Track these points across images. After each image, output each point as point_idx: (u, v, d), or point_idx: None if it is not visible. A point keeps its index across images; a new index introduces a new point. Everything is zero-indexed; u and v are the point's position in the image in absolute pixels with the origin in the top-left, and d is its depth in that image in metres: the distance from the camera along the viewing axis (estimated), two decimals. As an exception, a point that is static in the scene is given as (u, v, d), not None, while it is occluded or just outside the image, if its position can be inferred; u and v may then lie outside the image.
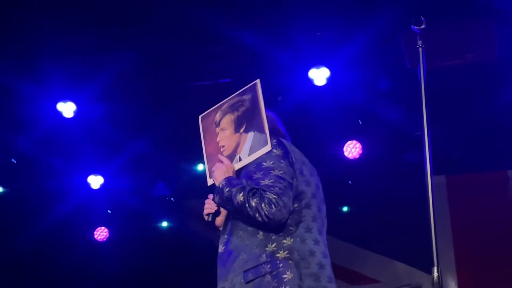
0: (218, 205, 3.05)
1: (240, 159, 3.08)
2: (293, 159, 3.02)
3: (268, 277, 2.80)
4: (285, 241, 2.87)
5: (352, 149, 7.24)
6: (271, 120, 3.17)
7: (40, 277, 8.16)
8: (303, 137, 6.89)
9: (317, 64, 6.41)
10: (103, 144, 7.11)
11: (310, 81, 6.47)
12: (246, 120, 3.11)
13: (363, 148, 7.23)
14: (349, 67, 6.50)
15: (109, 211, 8.12)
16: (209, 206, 3.15)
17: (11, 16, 5.76)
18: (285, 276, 2.80)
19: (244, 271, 2.85)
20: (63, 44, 6.03)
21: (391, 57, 6.34)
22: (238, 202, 2.84)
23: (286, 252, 2.85)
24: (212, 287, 3.03)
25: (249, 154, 3.04)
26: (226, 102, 3.19)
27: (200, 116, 3.29)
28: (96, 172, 7.50)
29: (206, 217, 3.17)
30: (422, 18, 2.86)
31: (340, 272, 8.41)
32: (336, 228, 8.23)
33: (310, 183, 3.06)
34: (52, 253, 8.21)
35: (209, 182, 3.15)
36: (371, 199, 7.90)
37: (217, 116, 3.19)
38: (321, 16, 5.96)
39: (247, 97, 3.12)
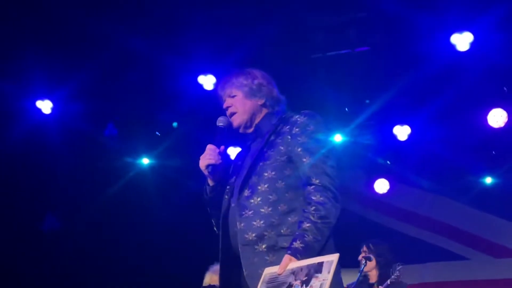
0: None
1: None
2: None
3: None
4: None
5: (497, 118, 6.94)
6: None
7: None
8: (445, 104, 6.74)
9: (460, 28, 6.19)
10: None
11: (452, 47, 6.26)
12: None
13: (510, 116, 6.92)
14: (493, 31, 6.22)
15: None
16: (211, 156, 3.03)
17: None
18: None
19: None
20: (206, 17, 6.19)
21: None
22: (322, 230, 2.82)
23: None
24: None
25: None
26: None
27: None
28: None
29: (205, 170, 3.04)
30: None
31: (483, 244, 8.16)
32: (480, 200, 8.09)
33: None
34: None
35: None
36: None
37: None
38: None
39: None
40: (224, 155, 3.09)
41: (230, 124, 3.14)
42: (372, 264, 5.80)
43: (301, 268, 2.68)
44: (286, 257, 2.74)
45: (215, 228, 3.16)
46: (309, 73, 6.69)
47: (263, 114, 3.14)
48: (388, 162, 8.06)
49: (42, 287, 8.03)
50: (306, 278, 2.64)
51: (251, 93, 3.12)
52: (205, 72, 6.90)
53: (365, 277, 5.91)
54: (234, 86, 3.14)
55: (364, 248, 5.90)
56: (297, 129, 2.97)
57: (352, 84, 6.88)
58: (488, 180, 8.06)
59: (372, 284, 5.86)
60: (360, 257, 5.91)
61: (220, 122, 3.15)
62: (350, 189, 8.23)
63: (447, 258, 8.26)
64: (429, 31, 6.17)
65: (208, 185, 3.13)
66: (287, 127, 3.01)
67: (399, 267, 5.70)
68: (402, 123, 7.35)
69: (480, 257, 8.19)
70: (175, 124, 7.64)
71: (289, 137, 2.97)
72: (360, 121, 7.24)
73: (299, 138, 2.94)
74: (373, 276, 5.86)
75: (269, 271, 2.78)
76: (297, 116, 3.01)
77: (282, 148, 2.97)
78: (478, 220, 8.23)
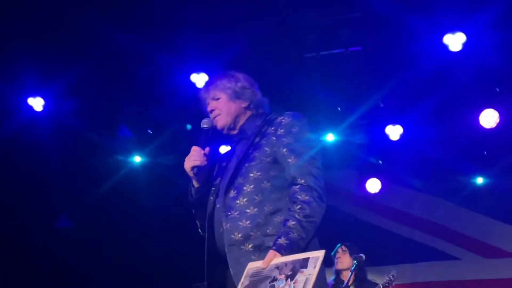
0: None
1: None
2: None
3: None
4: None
5: (489, 118, 6.96)
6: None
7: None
8: (437, 104, 6.76)
9: (453, 29, 6.20)
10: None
11: (445, 47, 6.27)
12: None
13: (501, 117, 6.94)
14: (486, 32, 6.23)
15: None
16: (196, 158, 3.05)
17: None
18: None
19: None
20: (199, 16, 6.18)
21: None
22: (307, 228, 2.82)
23: None
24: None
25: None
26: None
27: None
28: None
29: (190, 172, 3.07)
30: None
31: (474, 244, 8.18)
32: (471, 200, 8.11)
33: None
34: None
35: None
36: (508, 171, 7.61)
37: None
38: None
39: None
40: (209, 157, 3.10)
41: (214, 126, 3.16)
42: (351, 264, 5.81)
43: (285, 263, 2.68)
44: (271, 252, 2.75)
45: (199, 230, 3.18)
46: (302, 73, 6.69)
47: (247, 116, 3.16)
48: (380, 161, 8.07)
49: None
50: (291, 272, 2.63)
51: (235, 96, 3.13)
52: (197, 70, 6.89)
53: (338, 277, 5.94)
54: (217, 89, 3.14)
55: (344, 248, 5.98)
56: (282, 130, 2.98)
57: (345, 83, 6.89)
58: (480, 180, 8.08)
59: (349, 286, 5.86)
60: (337, 256, 5.93)
61: (204, 124, 3.17)
62: (341, 188, 8.24)
63: (438, 258, 8.28)
64: (422, 31, 6.17)
65: (193, 186, 3.15)
66: (272, 128, 3.02)
67: (393, 271, 5.70)
68: (394, 122, 7.36)
69: (471, 257, 8.21)
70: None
71: (274, 138, 2.99)
72: (352, 120, 7.25)
73: (284, 139, 2.96)
74: (351, 277, 5.84)
75: (253, 265, 2.78)
76: (281, 118, 3.02)
77: (267, 149, 2.98)
78: (470, 220, 8.25)
